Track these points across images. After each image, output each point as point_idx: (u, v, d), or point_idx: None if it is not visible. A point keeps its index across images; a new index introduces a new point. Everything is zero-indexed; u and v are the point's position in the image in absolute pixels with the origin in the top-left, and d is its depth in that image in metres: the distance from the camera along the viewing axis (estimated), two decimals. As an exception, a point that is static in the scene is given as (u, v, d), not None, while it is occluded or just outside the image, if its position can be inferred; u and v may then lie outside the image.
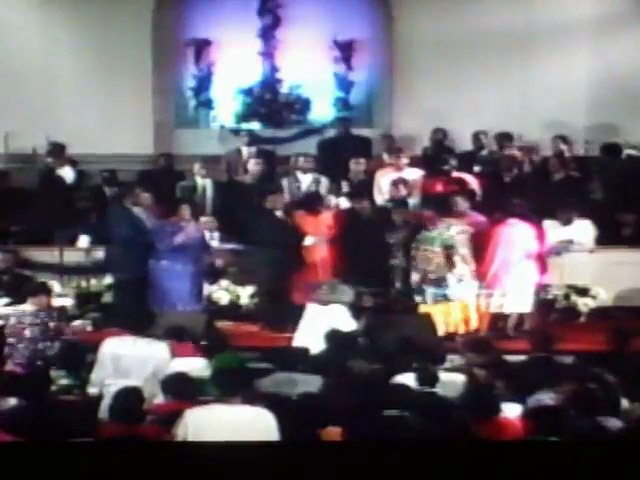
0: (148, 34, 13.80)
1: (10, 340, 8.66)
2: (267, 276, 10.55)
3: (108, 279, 10.94)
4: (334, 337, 8.44)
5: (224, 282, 11.01)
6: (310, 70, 14.11)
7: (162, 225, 10.39)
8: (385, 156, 12.22)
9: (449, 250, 9.94)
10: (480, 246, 10.11)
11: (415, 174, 11.70)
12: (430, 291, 9.98)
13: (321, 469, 4.83)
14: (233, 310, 10.84)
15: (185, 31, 14.18)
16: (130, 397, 6.67)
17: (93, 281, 11.09)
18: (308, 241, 10.58)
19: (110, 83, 13.69)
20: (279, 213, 10.69)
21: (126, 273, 10.34)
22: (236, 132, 13.65)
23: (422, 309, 10.00)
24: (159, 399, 7.36)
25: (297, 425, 6.14)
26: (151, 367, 7.80)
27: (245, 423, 6.05)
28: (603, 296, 10.91)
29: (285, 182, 11.87)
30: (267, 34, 14.08)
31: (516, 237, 10.08)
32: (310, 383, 7.42)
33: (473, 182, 11.46)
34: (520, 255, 10.06)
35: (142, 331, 8.03)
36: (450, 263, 9.92)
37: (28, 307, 8.79)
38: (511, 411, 6.91)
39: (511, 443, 5.97)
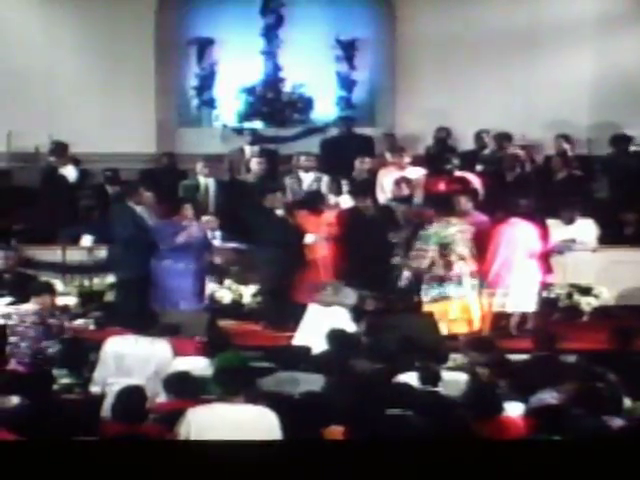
0: (151, 33, 13.80)
1: (13, 339, 8.66)
2: (269, 275, 10.55)
3: (111, 278, 10.94)
4: (336, 336, 8.44)
5: (227, 281, 11.01)
6: (313, 69, 14.12)
7: (164, 224, 10.39)
8: (388, 155, 12.23)
9: (445, 249, 9.91)
10: (482, 245, 10.09)
11: (418, 173, 11.70)
12: (426, 290, 9.96)
13: (324, 468, 4.83)
14: (235, 309, 10.85)
15: (188, 30, 14.19)
16: (132, 396, 6.67)
17: (96, 280, 11.09)
18: (309, 239, 10.57)
19: (113, 82, 13.68)
20: (279, 212, 10.69)
21: (129, 272, 10.34)
22: (239, 131, 13.67)
23: (419, 308, 9.97)
24: (161, 398, 7.37)
25: (299, 424, 6.14)
26: (153, 366, 7.81)
27: (247, 422, 6.04)
28: (606, 295, 10.91)
29: (287, 181, 11.88)
30: (270, 33, 14.09)
31: (518, 236, 10.06)
32: (312, 382, 7.42)
33: (476, 181, 11.45)
34: (522, 254, 10.05)
35: (144, 330, 8.04)
36: (446, 262, 9.89)
37: (31, 306, 8.79)
38: (514, 410, 6.90)
39: (514, 442, 5.96)
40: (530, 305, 10.18)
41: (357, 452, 5.08)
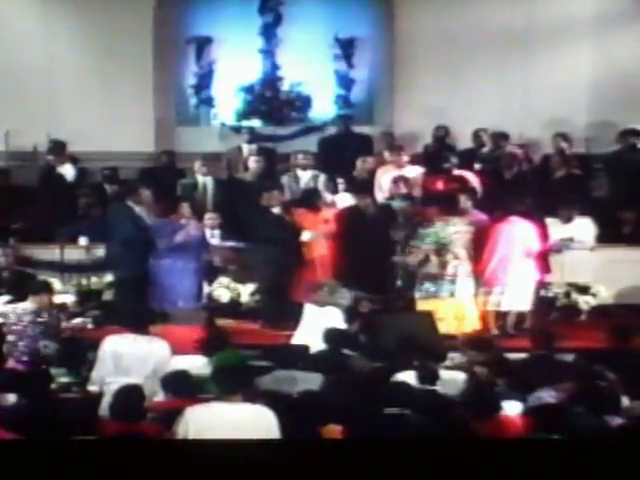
0: (149, 31, 13.78)
1: (11, 337, 8.66)
2: (267, 274, 10.55)
3: (109, 277, 10.94)
4: (333, 335, 8.44)
5: (225, 280, 11.01)
6: (311, 68, 14.11)
7: (162, 223, 10.39)
8: (386, 154, 12.22)
9: (441, 249, 9.92)
10: (480, 243, 10.10)
11: (416, 172, 11.70)
12: (418, 287, 9.96)
13: (322, 467, 4.83)
14: (234, 308, 10.84)
15: (186, 28, 14.19)
16: (131, 395, 6.67)
17: (94, 279, 11.08)
18: (306, 236, 10.56)
19: (111, 80, 13.67)
20: (276, 210, 10.69)
21: (127, 271, 10.34)
22: (237, 130, 13.66)
23: (414, 306, 9.98)
24: (159, 397, 7.37)
25: (298, 423, 6.14)
26: (151, 365, 7.81)
27: (245, 421, 6.04)
28: (604, 294, 10.91)
29: (285, 179, 11.89)
30: (268, 32, 14.08)
31: (516, 235, 10.06)
32: (310, 381, 7.42)
33: (474, 180, 11.45)
34: (520, 253, 10.04)
35: (143, 329, 8.04)
36: (442, 261, 9.90)
37: (29, 305, 8.79)
38: (512, 409, 6.91)
39: (512, 441, 5.97)
40: (527, 304, 10.18)
41: (355, 451, 5.08)
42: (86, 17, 13.72)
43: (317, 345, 8.47)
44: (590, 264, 11.07)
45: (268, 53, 14.13)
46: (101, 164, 12.82)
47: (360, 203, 10.91)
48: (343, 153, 12.48)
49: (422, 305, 9.88)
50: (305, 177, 11.86)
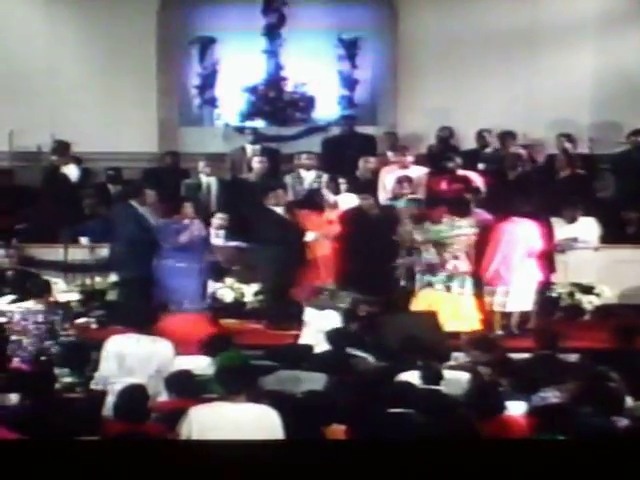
0: (153, 32, 13.80)
1: (15, 337, 8.66)
2: (271, 274, 10.55)
3: (113, 277, 10.94)
4: (337, 335, 8.45)
5: (229, 280, 11.01)
6: (315, 68, 14.12)
7: (166, 223, 10.39)
8: (390, 154, 12.22)
9: (441, 247, 9.94)
10: (484, 243, 10.10)
11: (420, 172, 11.70)
12: (418, 277, 10.00)
13: (325, 467, 4.83)
14: (237, 308, 10.85)
15: (190, 29, 14.20)
16: (134, 395, 6.67)
17: (98, 279, 11.09)
18: (310, 237, 10.56)
19: (115, 81, 13.67)
20: (280, 210, 10.68)
21: (131, 271, 10.35)
22: (240, 130, 13.66)
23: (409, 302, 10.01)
24: (163, 397, 7.37)
25: (301, 423, 6.14)
26: (155, 365, 7.79)
27: (249, 421, 6.04)
28: (607, 294, 10.91)
29: (288, 180, 11.89)
30: (272, 32, 14.07)
31: (520, 235, 10.05)
32: (314, 381, 7.43)
33: (478, 180, 11.44)
34: (523, 253, 10.04)
35: (146, 329, 8.04)
36: (441, 258, 9.93)
37: (33, 305, 8.79)
38: (516, 409, 6.90)
39: (516, 441, 5.96)
40: (531, 304, 10.17)
41: (359, 451, 5.08)
42: (90, 18, 13.73)
43: (320, 345, 8.47)
44: (594, 264, 11.07)
45: (272, 53, 14.13)
46: (105, 164, 12.84)
47: (363, 203, 10.91)
48: (347, 153, 12.47)
49: (417, 295, 9.88)
50: (309, 177, 11.86)
